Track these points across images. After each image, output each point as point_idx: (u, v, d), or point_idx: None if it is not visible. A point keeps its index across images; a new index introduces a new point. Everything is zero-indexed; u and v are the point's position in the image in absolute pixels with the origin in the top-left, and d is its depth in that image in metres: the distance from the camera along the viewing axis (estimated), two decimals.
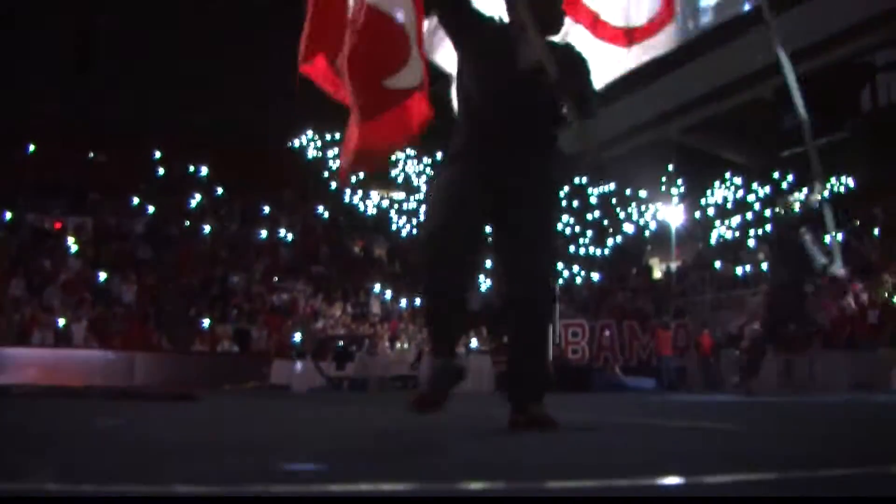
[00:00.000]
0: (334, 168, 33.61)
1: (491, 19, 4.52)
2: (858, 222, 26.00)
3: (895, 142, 27.77)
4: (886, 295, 20.94)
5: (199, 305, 24.74)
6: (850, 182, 29.91)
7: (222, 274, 26.54)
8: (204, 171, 29.89)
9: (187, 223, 28.25)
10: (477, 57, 4.45)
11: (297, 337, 23.50)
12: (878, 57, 26.33)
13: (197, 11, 30.90)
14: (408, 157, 35.22)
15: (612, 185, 36.75)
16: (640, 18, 6.04)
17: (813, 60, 27.49)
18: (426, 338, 4.32)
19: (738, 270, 28.28)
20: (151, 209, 28.17)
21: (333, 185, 33.18)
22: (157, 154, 29.98)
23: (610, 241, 34.82)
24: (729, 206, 32.88)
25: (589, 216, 35.61)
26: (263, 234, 29.18)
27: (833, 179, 30.06)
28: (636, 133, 34.61)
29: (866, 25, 25.44)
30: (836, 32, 26.34)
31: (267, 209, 30.44)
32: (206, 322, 24.03)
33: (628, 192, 36.28)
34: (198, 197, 29.50)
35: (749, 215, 31.64)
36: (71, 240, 25.95)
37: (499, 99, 4.35)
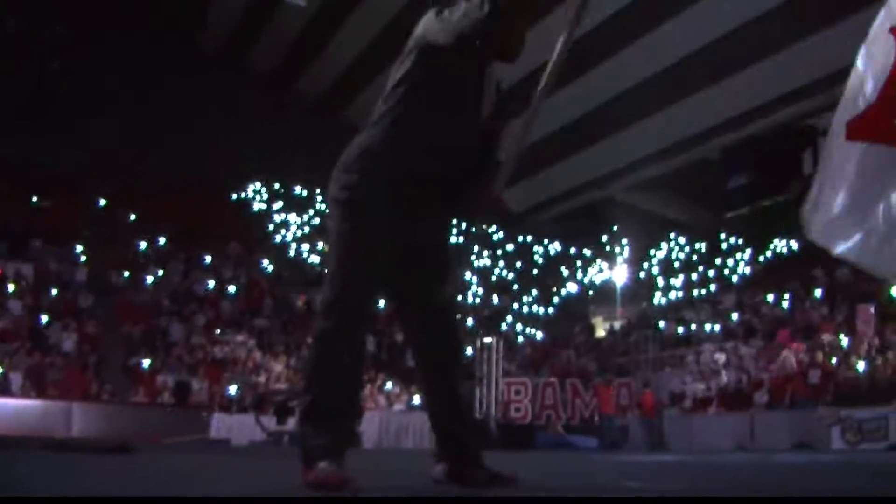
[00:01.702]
0: (279, 220, 33.53)
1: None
2: (799, 283, 26.32)
3: None
4: (826, 355, 21.16)
5: (139, 355, 24.41)
6: (793, 243, 30.37)
7: (164, 324, 26.24)
8: (148, 220, 29.59)
9: (129, 273, 27.91)
10: (449, 101, 4.08)
11: (238, 390, 23.22)
12: (820, 120, 26.80)
13: (146, 60, 30.86)
14: None
15: (557, 244, 36.94)
16: None
17: (757, 122, 28.00)
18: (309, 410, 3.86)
19: (681, 329, 28.48)
20: (94, 257, 27.82)
21: (278, 237, 33.05)
22: (102, 202, 29.66)
23: (554, 300, 34.90)
24: (674, 265, 33.18)
25: (533, 274, 35.70)
26: (207, 285, 28.91)
27: (776, 240, 30.50)
28: (582, 191, 34.95)
29: (808, 89, 25.93)
30: (779, 96, 26.83)
31: (210, 260, 30.20)
32: (147, 372, 23.71)
33: (573, 250, 36.46)
34: (142, 246, 29.20)
35: (693, 275, 31.95)
36: (11, 286, 25.53)
37: (451, 156, 4.09)
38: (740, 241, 31.92)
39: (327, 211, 4.15)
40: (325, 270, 4.05)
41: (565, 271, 36.04)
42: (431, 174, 4.03)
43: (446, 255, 4.27)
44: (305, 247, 32.71)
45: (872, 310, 21.77)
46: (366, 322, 3.98)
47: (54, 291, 26.21)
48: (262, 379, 24.55)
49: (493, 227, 36.17)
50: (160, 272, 28.53)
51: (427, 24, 4.08)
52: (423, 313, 4.18)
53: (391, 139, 3.99)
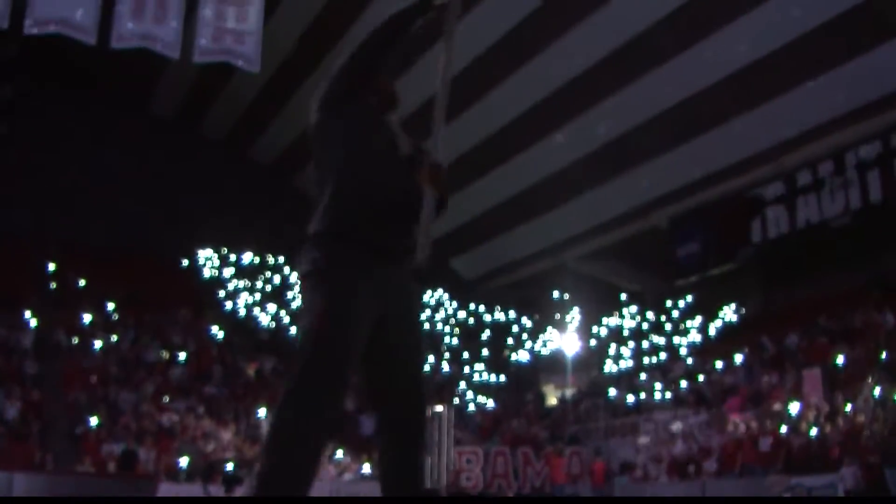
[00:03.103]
0: (229, 287, 33.32)
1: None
2: (748, 350, 26.54)
3: (783, 272, 28.63)
4: (776, 422, 21.28)
5: (85, 423, 23.99)
6: (742, 310, 30.72)
7: (111, 391, 25.85)
8: (97, 285, 29.27)
9: (76, 339, 27.53)
10: (371, 144, 4.26)
11: (186, 459, 22.88)
12: (767, 190, 27.29)
13: (97, 125, 30.80)
14: None
15: (508, 312, 37.00)
16: None
17: (705, 192, 28.42)
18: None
19: (632, 398, 28.56)
20: (42, 322, 27.41)
21: (229, 305, 32.82)
22: (51, 266, 29.33)
23: (504, 368, 34.88)
24: (624, 333, 33.33)
25: (483, 342, 35.68)
26: (155, 352, 28.57)
27: (725, 308, 30.82)
28: (532, 260, 35.16)
29: (755, 159, 26.43)
30: (726, 166, 27.30)
31: (160, 327, 29.88)
32: (93, 440, 23.30)
33: (524, 318, 36.54)
34: (90, 312, 28.84)
35: (643, 343, 32.12)
36: None
37: (398, 202, 4.19)
38: (690, 310, 32.17)
39: (299, 288, 4.26)
40: (298, 340, 4.08)
41: (516, 339, 36.05)
42: (387, 230, 4.12)
43: (415, 322, 4.32)
44: (256, 312, 32.51)
45: (820, 376, 21.97)
46: (338, 392, 3.97)
47: None
48: (210, 447, 24.24)
49: (445, 295, 36.17)
50: (109, 338, 28.16)
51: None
52: (390, 381, 4.17)
53: (339, 211, 4.11)
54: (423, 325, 4.16)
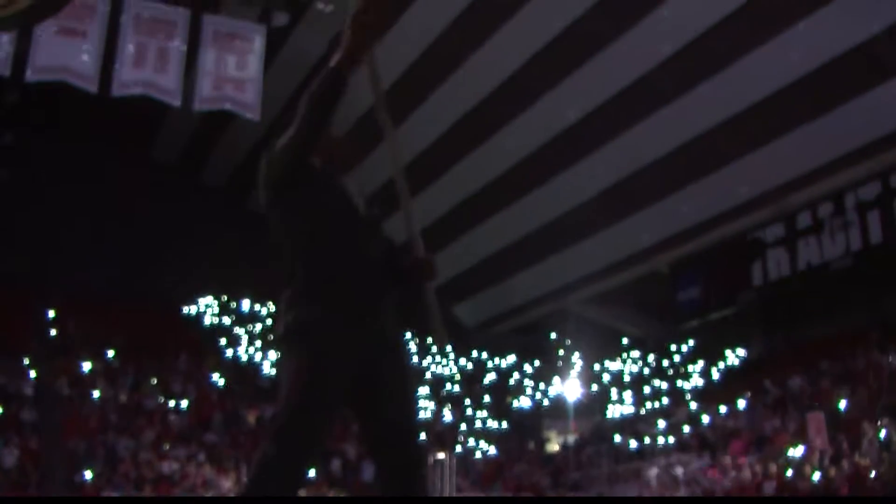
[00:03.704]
0: (229, 334, 33.21)
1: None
2: (751, 394, 26.42)
3: (785, 315, 28.56)
4: (780, 466, 21.14)
5: (84, 471, 23.82)
6: (743, 354, 30.63)
7: (111, 439, 25.70)
8: (97, 333, 29.19)
9: (76, 386, 27.42)
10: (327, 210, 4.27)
11: None
12: (767, 233, 27.31)
13: (96, 172, 30.85)
14: None
15: (510, 358, 36.88)
16: None
17: (705, 236, 28.42)
18: None
19: (635, 443, 28.39)
20: (41, 370, 27.31)
21: (229, 352, 32.71)
22: (51, 314, 29.26)
23: (506, 415, 34.70)
24: (626, 378, 33.20)
25: (485, 388, 35.53)
26: (155, 399, 28.44)
27: (727, 352, 30.72)
28: (533, 306, 35.13)
29: (755, 203, 26.46)
30: (726, 210, 27.33)
31: (160, 374, 29.76)
32: (91, 489, 23.14)
33: (525, 364, 36.41)
34: (89, 359, 28.74)
35: (646, 388, 31.99)
36: None
37: (360, 259, 4.23)
38: (692, 354, 32.06)
39: (277, 350, 4.31)
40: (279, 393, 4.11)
41: (518, 385, 35.90)
42: (356, 290, 4.14)
43: (402, 372, 4.29)
44: (257, 360, 32.40)
45: (823, 419, 21.84)
46: (311, 452, 4.04)
47: None
48: (210, 495, 24.06)
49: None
50: (109, 385, 28.04)
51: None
52: (384, 431, 4.18)
53: (306, 278, 4.14)
54: (413, 373, 4.18)
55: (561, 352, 34.74)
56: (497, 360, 36.95)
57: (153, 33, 22.76)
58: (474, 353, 36.62)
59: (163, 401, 28.50)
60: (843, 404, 22.36)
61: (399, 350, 4.33)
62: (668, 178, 26.71)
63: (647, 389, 32.09)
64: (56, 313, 29.44)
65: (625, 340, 34.31)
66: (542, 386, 35.27)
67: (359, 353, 4.06)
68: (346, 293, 4.10)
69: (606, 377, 33.85)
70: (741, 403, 26.45)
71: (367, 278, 4.17)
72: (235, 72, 23.59)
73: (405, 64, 25.16)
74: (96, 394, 27.50)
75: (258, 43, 23.54)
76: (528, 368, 36.32)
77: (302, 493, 4.01)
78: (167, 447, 26.09)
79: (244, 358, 32.61)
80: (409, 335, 33.42)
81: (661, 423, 28.77)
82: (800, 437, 22.26)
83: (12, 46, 20.56)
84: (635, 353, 33.83)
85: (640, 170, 27.03)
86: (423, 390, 33.17)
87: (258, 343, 33.08)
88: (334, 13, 23.31)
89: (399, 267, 4.36)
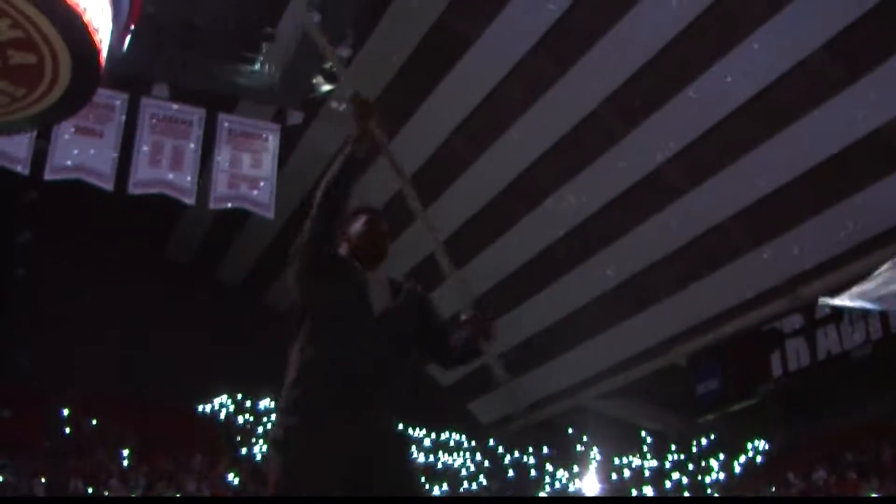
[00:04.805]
0: (245, 433, 32.95)
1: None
2: (774, 488, 26.02)
3: (806, 406, 28.25)
4: None
5: None
6: (765, 446, 30.24)
7: None
8: (111, 432, 29.02)
9: (90, 486, 27.17)
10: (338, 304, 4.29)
11: None
12: (785, 323, 27.16)
13: (112, 270, 30.96)
14: None
15: (527, 454, 36.50)
16: None
17: (722, 328, 28.26)
18: None
19: None
20: (55, 469, 27.08)
21: (244, 450, 32.44)
22: (65, 412, 29.13)
23: None
24: (646, 473, 32.81)
25: (503, 484, 35.12)
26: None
27: (748, 444, 30.34)
28: (551, 401, 34.88)
29: (771, 293, 26.35)
30: (742, 301, 27.21)
31: (174, 474, 29.48)
32: None
33: (543, 460, 36.03)
34: (104, 458, 28.52)
35: (666, 482, 31.59)
36: None
37: (370, 360, 4.20)
38: (712, 447, 31.68)
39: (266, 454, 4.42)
40: None
41: (536, 482, 35.47)
42: (352, 401, 4.10)
43: (401, 470, 4.28)
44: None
45: None
46: None
47: None
48: None
49: (462, 438, 35.76)
50: (123, 485, 27.77)
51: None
52: None
53: (301, 387, 4.16)
54: (413, 469, 4.20)
55: (579, 447, 34.38)
56: (514, 455, 36.58)
57: (169, 133, 23.09)
58: (491, 449, 36.27)
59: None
60: (872, 496, 21.97)
61: (397, 447, 4.29)
62: (682, 270, 26.69)
63: (667, 484, 31.66)
64: (69, 412, 29.33)
65: (643, 434, 33.96)
66: (559, 482, 34.84)
67: (349, 459, 4.03)
68: (339, 406, 4.06)
69: (626, 472, 33.44)
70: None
71: (363, 377, 4.10)
72: (250, 170, 23.87)
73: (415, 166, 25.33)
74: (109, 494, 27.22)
75: (272, 142, 23.85)
76: (545, 464, 35.93)
77: None
78: None
79: (259, 457, 32.33)
80: (424, 431, 33.31)
81: None
82: None
83: (31, 146, 20.88)
84: (655, 447, 33.46)
85: (653, 263, 27.02)
86: (440, 487, 32.80)
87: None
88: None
89: (447, 338, 4.56)
